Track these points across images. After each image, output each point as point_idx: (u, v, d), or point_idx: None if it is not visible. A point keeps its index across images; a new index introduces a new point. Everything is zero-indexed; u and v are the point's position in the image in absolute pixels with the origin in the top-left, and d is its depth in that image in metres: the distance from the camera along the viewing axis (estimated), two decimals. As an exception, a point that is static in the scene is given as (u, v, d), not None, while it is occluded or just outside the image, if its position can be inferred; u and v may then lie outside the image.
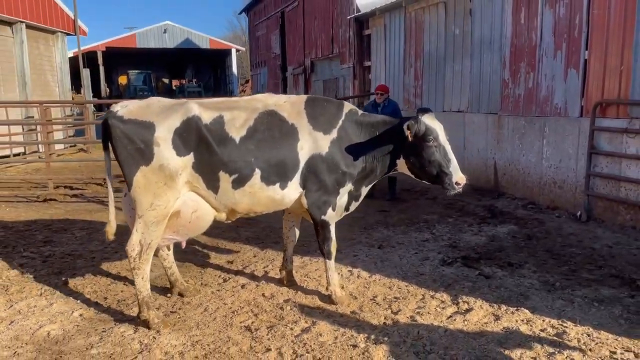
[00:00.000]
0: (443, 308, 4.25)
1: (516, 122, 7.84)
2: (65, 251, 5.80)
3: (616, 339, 3.68)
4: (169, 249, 4.61)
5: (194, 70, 46.97)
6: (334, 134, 4.23)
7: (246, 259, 5.56)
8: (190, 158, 3.94)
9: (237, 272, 5.15)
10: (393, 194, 8.35)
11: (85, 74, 16.32)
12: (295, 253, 5.55)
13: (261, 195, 4.14)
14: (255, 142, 4.04)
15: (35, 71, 13.98)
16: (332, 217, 4.34)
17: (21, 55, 13.11)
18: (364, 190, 4.52)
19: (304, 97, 4.47)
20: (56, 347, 3.66)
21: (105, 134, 3.95)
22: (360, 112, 4.44)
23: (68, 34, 15.70)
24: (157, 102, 4.19)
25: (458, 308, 4.25)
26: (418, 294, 4.54)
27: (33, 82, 13.73)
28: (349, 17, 13.72)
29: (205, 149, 3.95)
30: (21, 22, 13.00)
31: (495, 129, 8.34)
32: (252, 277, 5.03)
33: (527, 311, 4.12)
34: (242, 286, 4.79)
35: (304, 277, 5.00)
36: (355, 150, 4.23)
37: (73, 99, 20.07)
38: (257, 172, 4.05)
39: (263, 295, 4.59)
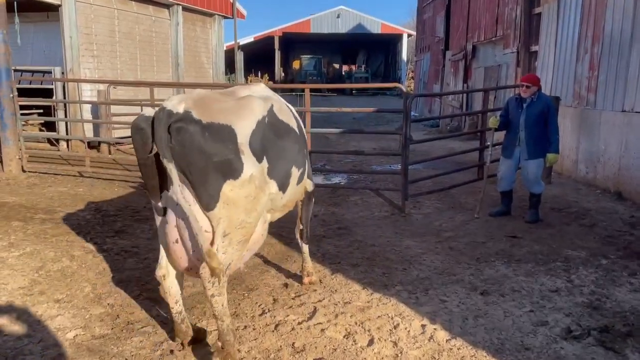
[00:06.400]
0: None
1: None
2: (126, 246, 5.35)
3: None
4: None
5: (366, 55, 46.62)
6: None
7: (305, 285, 4.50)
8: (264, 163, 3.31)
9: (284, 304, 4.13)
10: (534, 215, 6.49)
11: (239, 57, 16.59)
12: (366, 285, 4.35)
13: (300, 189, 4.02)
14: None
15: (190, 53, 14.46)
16: None
17: (176, 37, 13.60)
18: None
19: None
20: (12, 380, 3.05)
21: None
22: None
23: (226, 17, 16.04)
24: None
25: None
26: (506, 387, 3.04)
27: (187, 63, 14.22)
28: (516, -7, 11.61)
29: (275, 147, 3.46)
30: (178, 4, 13.45)
31: (695, 140, 5.97)
32: (298, 313, 3.96)
33: None
34: (276, 326, 3.75)
35: (356, 325, 3.76)
36: None
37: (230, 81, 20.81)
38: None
39: (292, 345, 3.50)
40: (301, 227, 4.49)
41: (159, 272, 3.35)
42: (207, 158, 2.94)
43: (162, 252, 3.34)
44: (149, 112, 3.03)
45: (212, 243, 3.08)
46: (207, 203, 3.01)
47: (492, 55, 14.21)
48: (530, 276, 4.74)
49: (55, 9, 10.67)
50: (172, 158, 2.89)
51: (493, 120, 6.71)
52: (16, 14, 9.47)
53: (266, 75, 43.06)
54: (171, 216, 3.16)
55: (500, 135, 7.07)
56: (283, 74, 45.06)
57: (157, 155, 2.96)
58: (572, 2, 9.27)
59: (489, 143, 7.24)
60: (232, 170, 3.03)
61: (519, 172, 6.67)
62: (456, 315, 3.94)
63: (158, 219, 3.29)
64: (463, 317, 3.90)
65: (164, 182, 3.11)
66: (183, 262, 3.24)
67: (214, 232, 3.09)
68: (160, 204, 3.20)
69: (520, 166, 6.53)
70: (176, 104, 2.97)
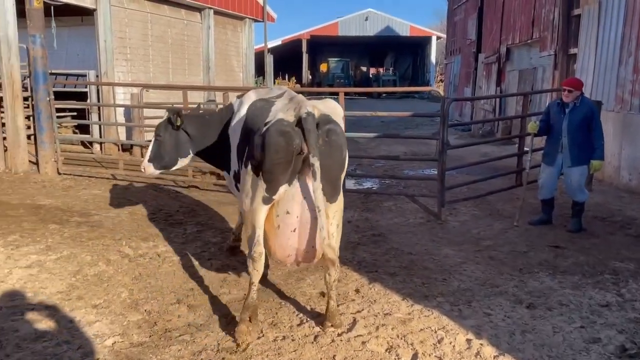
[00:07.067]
0: None
1: None
2: (161, 251, 5.32)
3: None
4: None
5: (393, 58, 46.32)
6: None
7: (342, 294, 4.37)
8: None
9: (322, 313, 4.01)
10: (577, 224, 6.24)
11: (269, 60, 16.59)
12: (406, 296, 4.22)
13: None
14: None
15: (221, 56, 14.49)
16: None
17: (207, 40, 13.64)
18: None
19: None
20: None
21: None
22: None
23: (256, 21, 16.05)
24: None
25: None
26: (561, 410, 2.88)
27: (218, 67, 14.25)
28: (554, -6, 11.29)
29: None
30: (210, 8, 13.50)
31: None
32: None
33: None
34: (315, 337, 3.65)
35: (398, 338, 3.62)
36: None
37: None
38: None
39: (333, 358, 3.39)
40: None
41: (259, 249, 3.53)
42: (341, 154, 3.52)
43: (260, 232, 3.54)
44: (283, 116, 3.40)
45: (328, 234, 3.47)
46: (334, 195, 3.48)
47: (528, 57, 13.88)
48: (577, 289, 4.54)
49: (90, 13, 10.80)
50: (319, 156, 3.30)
51: (532, 125, 6.50)
52: (53, 18, 9.61)
53: (293, 78, 43.11)
54: (295, 207, 3.47)
55: (537, 141, 6.86)
56: (310, 77, 45.06)
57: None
58: (615, 4, 8.96)
59: (527, 149, 7.02)
60: (345, 164, 3.65)
61: (560, 179, 6.45)
62: (502, 329, 3.77)
63: (262, 209, 3.50)
64: (510, 332, 3.73)
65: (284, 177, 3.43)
66: (291, 250, 3.57)
67: (328, 224, 3.46)
68: (274, 197, 3.45)
69: (563, 173, 6.29)
70: (312, 109, 3.39)
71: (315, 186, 3.31)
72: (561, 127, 6.16)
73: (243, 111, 4.17)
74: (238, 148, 4.09)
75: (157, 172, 4.80)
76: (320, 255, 3.65)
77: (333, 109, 3.70)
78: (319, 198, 3.32)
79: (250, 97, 4.29)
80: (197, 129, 4.57)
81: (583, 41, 10.25)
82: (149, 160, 4.67)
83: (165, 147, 4.61)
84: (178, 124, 4.49)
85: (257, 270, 3.58)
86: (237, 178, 4.26)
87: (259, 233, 3.55)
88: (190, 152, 4.65)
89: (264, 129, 3.45)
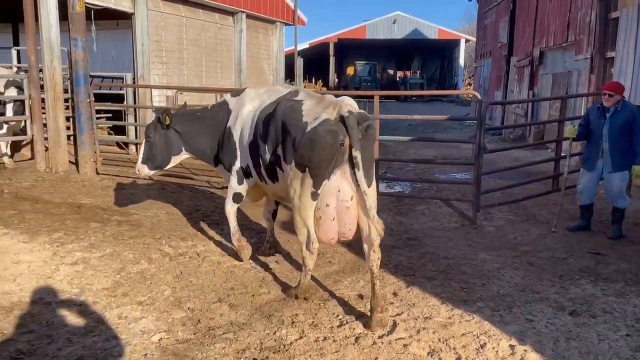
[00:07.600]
0: None
1: None
2: (200, 250, 5.42)
3: None
4: None
5: (421, 61, 46.10)
6: None
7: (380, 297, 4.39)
8: None
9: (360, 315, 4.04)
10: (618, 231, 6.12)
11: (299, 63, 16.69)
12: (445, 300, 4.21)
13: None
14: None
15: (252, 59, 14.64)
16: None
17: (239, 43, 13.81)
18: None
19: None
20: (104, 382, 3.10)
21: None
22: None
23: (287, 24, 16.17)
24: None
25: None
26: (611, 419, 2.84)
27: (249, 70, 14.40)
28: (591, -3, 11.09)
29: None
30: (242, 12, 13.66)
31: None
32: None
33: None
34: (357, 339, 3.67)
35: (439, 342, 3.62)
36: None
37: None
38: None
39: (375, 360, 3.41)
40: None
41: (316, 245, 3.98)
42: (374, 145, 3.90)
43: (312, 229, 3.92)
44: (328, 116, 3.68)
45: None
46: (371, 181, 3.78)
47: (562, 61, 13.66)
48: (621, 297, 4.46)
49: (126, 17, 11.04)
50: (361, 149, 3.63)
51: (571, 130, 6.41)
52: (93, 22, 9.86)
53: (320, 81, 43.25)
54: (332, 200, 3.79)
55: (573, 145, 6.76)
56: (337, 80, 45.14)
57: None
58: (656, 6, 8.76)
59: (565, 154, 6.91)
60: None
61: (600, 185, 6.34)
62: (546, 336, 3.73)
63: (312, 205, 3.85)
64: (554, 339, 3.69)
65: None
66: (333, 234, 3.90)
67: (370, 206, 3.71)
68: (319, 191, 3.78)
69: (603, 179, 6.18)
70: (350, 108, 3.72)
71: (359, 175, 3.65)
72: (602, 132, 6.05)
73: (248, 109, 4.47)
74: (251, 145, 4.37)
75: (152, 172, 5.04)
76: (354, 231, 3.92)
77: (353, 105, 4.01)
78: (364, 183, 3.65)
79: (250, 95, 4.58)
80: (188, 126, 4.78)
81: (621, 44, 10.04)
82: (143, 162, 4.90)
83: (157, 147, 4.80)
84: (167, 122, 4.64)
85: (313, 259, 4.07)
86: (246, 173, 4.61)
87: (312, 231, 3.93)
88: (183, 149, 4.82)
89: (309, 128, 3.70)
